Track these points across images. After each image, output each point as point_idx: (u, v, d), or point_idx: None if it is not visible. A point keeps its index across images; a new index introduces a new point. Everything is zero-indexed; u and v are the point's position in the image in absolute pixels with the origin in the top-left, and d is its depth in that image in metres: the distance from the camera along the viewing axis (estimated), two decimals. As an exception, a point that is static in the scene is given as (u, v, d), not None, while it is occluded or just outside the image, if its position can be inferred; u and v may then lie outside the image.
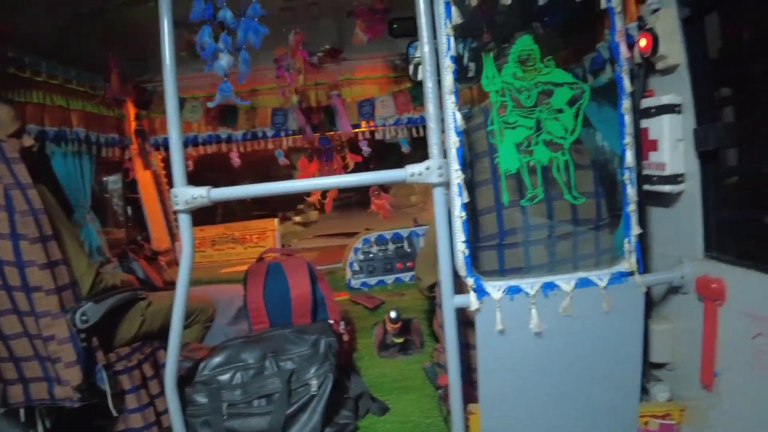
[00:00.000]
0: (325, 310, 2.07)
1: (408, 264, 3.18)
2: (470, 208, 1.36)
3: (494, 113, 1.36)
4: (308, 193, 3.23)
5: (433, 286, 1.92)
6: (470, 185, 1.32)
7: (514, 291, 1.36)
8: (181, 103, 2.90)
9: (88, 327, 1.57)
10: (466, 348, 1.55)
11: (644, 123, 1.49)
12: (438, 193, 1.31)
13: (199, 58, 1.47)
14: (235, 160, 3.16)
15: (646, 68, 1.50)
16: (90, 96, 2.62)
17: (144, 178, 3.35)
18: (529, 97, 1.37)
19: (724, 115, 1.39)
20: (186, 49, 1.94)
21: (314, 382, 1.62)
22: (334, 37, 2.91)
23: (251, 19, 1.46)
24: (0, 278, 1.49)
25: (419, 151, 3.27)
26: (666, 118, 1.43)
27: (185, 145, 3.10)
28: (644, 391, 1.54)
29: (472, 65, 2.32)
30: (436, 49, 1.31)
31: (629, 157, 1.38)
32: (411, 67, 2.66)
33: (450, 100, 1.31)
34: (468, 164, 1.44)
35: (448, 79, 1.31)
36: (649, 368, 1.58)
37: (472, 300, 1.34)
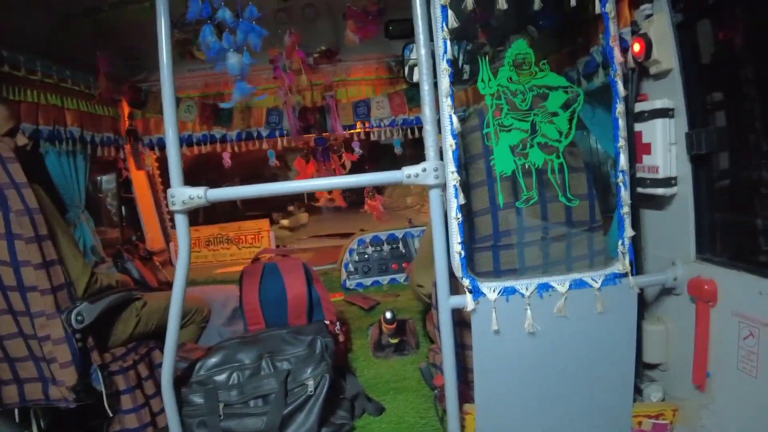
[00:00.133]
0: (321, 310, 2.07)
1: (403, 265, 3.19)
2: (465, 209, 1.37)
3: (490, 116, 1.37)
4: (316, 198, 3.22)
5: None
6: (465, 187, 1.34)
7: (509, 292, 1.38)
8: (177, 102, 2.89)
9: (83, 327, 1.56)
10: (462, 348, 1.56)
11: (638, 126, 1.51)
12: (434, 195, 1.32)
13: (184, 59, 1.46)
14: (227, 161, 3.14)
15: (639, 72, 1.52)
16: (85, 95, 2.61)
17: (138, 178, 3.33)
18: (524, 100, 1.38)
19: (716, 120, 1.41)
20: (175, 48, 1.94)
21: (311, 383, 1.62)
22: (329, 38, 2.92)
23: (249, 22, 1.47)
24: (-5, 278, 1.49)
25: (408, 149, 3.29)
26: (659, 122, 1.45)
27: (180, 144, 3.09)
28: (638, 391, 1.56)
29: (466, 67, 2.33)
30: (432, 51, 1.32)
31: (623, 160, 1.40)
32: (406, 69, 2.68)
33: (447, 103, 1.32)
34: (463, 166, 1.45)
35: (445, 82, 1.32)
36: (643, 369, 1.60)
37: (468, 301, 1.35)
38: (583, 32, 1.73)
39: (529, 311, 1.38)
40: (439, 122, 1.34)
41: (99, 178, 3.42)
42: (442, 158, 1.33)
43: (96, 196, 3.38)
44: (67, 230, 1.71)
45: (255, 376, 1.64)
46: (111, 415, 1.66)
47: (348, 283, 3.19)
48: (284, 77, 2.62)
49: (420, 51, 1.28)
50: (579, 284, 1.39)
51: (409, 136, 3.22)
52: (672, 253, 1.50)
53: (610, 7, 1.36)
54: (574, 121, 1.39)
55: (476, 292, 1.37)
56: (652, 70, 1.46)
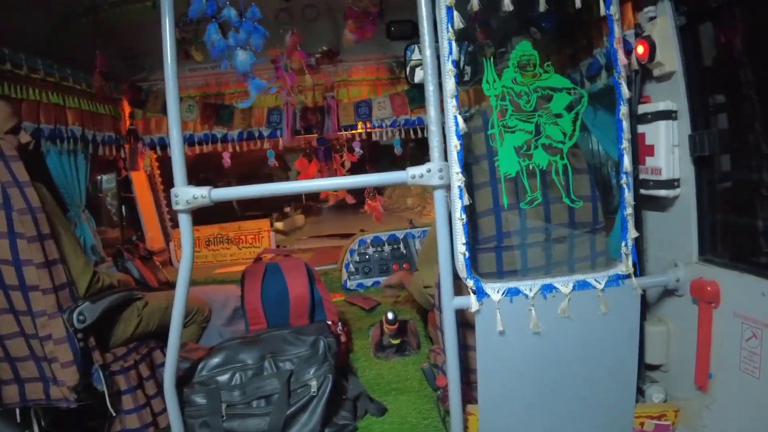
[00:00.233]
0: (323, 311, 2.07)
1: (404, 266, 3.19)
2: (469, 210, 1.38)
3: (494, 117, 1.38)
4: (320, 199, 3.21)
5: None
6: (468, 188, 1.34)
7: (513, 293, 1.38)
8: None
9: (85, 327, 1.56)
10: (464, 349, 1.56)
11: (641, 128, 1.52)
12: (439, 196, 1.32)
13: (183, 59, 1.46)
14: (226, 161, 3.13)
15: (642, 75, 1.53)
16: (86, 94, 2.60)
17: (138, 178, 3.33)
18: (529, 101, 1.39)
19: (718, 122, 1.42)
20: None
21: (314, 383, 1.61)
22: (330, 38, 2.92)
23: (251, 22, 1.47)
24: (-3, 277, 1.48)
25: (408, 150, 3.28)
26: (662, 124, 1.45)
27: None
28: (640, 392, 1.57)
29: (468, 69, 2.34)
30: (436, 52, 1.32)
31: (626, 161, 1.41)
32: (407, 69, 2.68)
33: (451, 104, 1.32)
34: (466, 167, 1.45)
35: (450, 83, 1.32)
36: (645, 369, 1.60)
37: (472, 302, 1.36)
38: (586, 34, 1.73)
39: (533, 312, 1.38)
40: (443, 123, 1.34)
41: (99, 177, 3.41)
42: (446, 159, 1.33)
43: (96, 195, 3.37)
44: (70, 229, 1.71)
45: (258, 377, 1.63)
46: (114, 414, 1.65)
47: (349, 283, 3.19)
48: (286, 77, 2.62)
49: (425, 52, 1.28)
50: (582, 285, 1.39)
51: (411, 136, 3.22)
52: (674, 255, 1.51)
53: (614, 10, 1.36)
54: (578, 123, 1.39)
55: (480, 293, 1.37)
56: (656, 72, 1.47)
